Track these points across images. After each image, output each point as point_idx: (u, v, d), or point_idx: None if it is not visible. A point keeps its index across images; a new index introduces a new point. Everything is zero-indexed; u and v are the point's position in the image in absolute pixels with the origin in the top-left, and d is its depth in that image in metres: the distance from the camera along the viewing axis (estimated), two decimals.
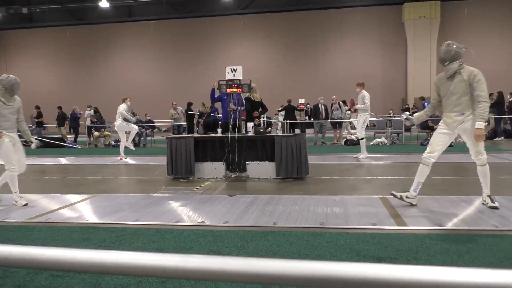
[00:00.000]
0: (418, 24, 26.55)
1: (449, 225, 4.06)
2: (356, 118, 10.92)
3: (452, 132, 4.67)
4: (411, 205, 4.78)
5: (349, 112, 14.94)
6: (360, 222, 4.19)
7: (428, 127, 13.80)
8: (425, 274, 0.83)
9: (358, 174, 7.71)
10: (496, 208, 4.50)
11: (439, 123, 4.83)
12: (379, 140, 13.94)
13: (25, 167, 5.75)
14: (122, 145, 10.90)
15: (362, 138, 10.02)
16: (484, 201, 4.68)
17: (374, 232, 3.87)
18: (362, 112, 9.98)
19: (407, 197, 4.80)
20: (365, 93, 9.94)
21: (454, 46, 4.53)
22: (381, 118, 15.67)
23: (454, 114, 4.53)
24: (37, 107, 19.38)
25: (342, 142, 14.27)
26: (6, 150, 5.45)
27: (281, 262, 0.83)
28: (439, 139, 4.73)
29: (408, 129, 14.77)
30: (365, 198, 5.38)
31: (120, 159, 10.71)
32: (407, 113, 5.18)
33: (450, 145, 12.11)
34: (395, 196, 4.86)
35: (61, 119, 17.90)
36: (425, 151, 4.83)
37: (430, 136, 13.47)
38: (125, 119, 10.92)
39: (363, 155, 9.94)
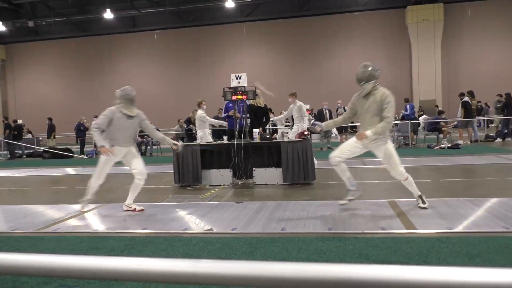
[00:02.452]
0: (421, 27, 26.51)
1: (459, 227, 4.02)
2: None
3: (364, 147, 4.92)
4: (352, 200, 5.00)
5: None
6: (369, 227, 4.16)
7: (437, 129, 13.72)
8: (436, 275, 0.82)
9: (365, 178, 7.67)
10: (425, 208, 4.72)
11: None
12: None
13: (145, 174, 5.64)
14: None
15: None
16: (417, 201, 4.91)
17: (383, 236, 3.84)
18: (299, 122, 9.53)
19: (351, 196, 5.03)
20: (300, 103, 9.61)
21: (370, 68, 4.74)
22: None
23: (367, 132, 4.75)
24: (50, 119, 19.36)
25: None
26: (101, 164, 5.46)
27: (292, 265, 0.83)
28: (349, 146, 4.96)
29: (415, 132, 14.70)
30: (373, 202, 5.34)
31: None
32: (318, 122, 5.34)
33: (457, 147, 12.13)
34: (344, 204, 5.00)
35: (51, 130, 17.86)
36: (332, 153, 5.00)
37: (438, 139, 13.43)
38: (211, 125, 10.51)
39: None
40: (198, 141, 10.24)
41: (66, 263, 0.95)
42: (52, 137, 17.87)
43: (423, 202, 4.82)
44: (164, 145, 17.08)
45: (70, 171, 11.48)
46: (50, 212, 5.76)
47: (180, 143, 5.84)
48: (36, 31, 31.38)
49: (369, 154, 10.88)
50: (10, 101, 34.26)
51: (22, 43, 32.64)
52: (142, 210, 5.44)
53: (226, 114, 8.82)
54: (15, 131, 17.34)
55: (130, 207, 5.49)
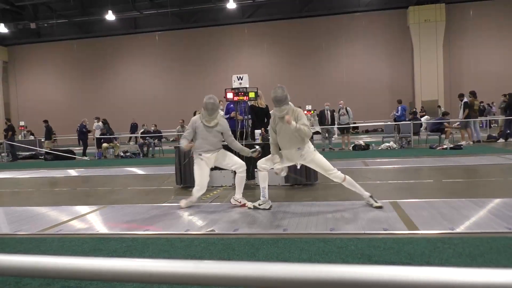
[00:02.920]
0: (423, 27, 26.50)
1: (462, 228, 4.01)
2: None
3: (290, 162, 5.22)
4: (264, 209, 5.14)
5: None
6: (371, 227, 4.15)
7: (439, 129, 13.70)
8: (439, 275, 0.82)
9: (367, 179, 7.66)
10: (380, 207, 4.89)
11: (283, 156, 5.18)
12: (387, 144, 13.87)
13: (244, 165, 5.66)
14: None
15: None
16: (368, 202, 5.09)
17: (385, 237, 3.83)
18: None
19: (259, 204, 5.20)
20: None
21: (285, 88, 4.98)
22: (389, 123, 15.58)
23: (292, 150, 5.01)
24: (46, 121, 19.18)
25: (350, 148, 14.22)
26: (196, 174, 5.57)
27: (294, 266, 0.83)
28: (285, 160, 5.20)
29: (416, 133, 14.69)
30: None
31: None
32: (280, 165, 5.26)
33: (460, 148, 12.11)
34: (250, 208, 5.21)
35: (48, 132, 17.80)
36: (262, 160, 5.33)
37: (441, 140, 13.41)
38: None
39: None
40: None
41: (69, 265, 0.95)
42: (51, 139, 17.81)
43: (375, 201, 4.99)
44: (166, 147, 17.16)
45: (72, 172, 11.51)
46: (52, 213, 5.77)
47: (258, 148, 5.78)
48: (38, 32, 31.49)
49: (370, 155, 10.84)
50: (12, 102, 34.37)
51: (24, 44, 32.76)
52: (244, 205, 5.46)
53: (227, 115, 8.85)
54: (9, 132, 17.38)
55: (239, 202, 5.53)
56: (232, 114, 8.57)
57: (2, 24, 27.47)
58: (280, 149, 5.20)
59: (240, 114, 8.53)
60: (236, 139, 7.70)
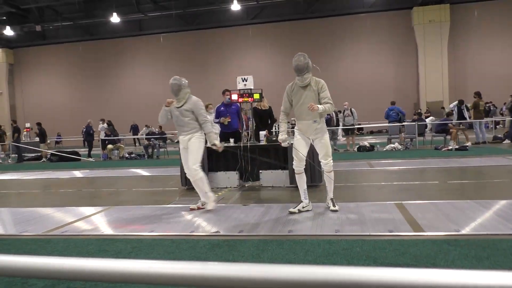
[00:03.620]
0: (428, 28, 26.41)
1: (467, 230, 3.99)
2: None
3: (307, 138, 5.07)
4: (308, 210, 5.07)
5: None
6: (376, 229, 4.14)
7: (444, 130, 13.64)
8: (445, 277, 0.81)
9: (372, 181, 7.64)
10: (335, 211, 4.90)
11: (295, 132, 5.14)
12: (392, 145, 13.83)
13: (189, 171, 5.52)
14: None
15: None
16: (327, 204, 5.11)
17: (390, 238, 3.82)
18: None
19: (303, 207, 5.06)
20: None
21: (309, 59, 4.91)
22: (393, 124, 15.54)
23: (308, 121, 4.93)
24: (39, 124, 18.75)
25: (355, 149, 14.18)
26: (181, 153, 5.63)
27: (300, 268, 0.83)
28: (299, 146, 5.07)
29: (421, 133, 14.63)
30: (380, 204, 5.32)
31: None
32: (283, 135, 5.18)
33: (465, 149, 12.04)
34: (293, 212, 4.98)
35: (42, 135, 17.68)
36: (294, 164, 5.18)
37: (446, 141, 13.35)
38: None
39: None
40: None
41: (75, 266, 0.96)
42: (45, 142, 17.67)
43: (334, 205, 5.00)
44: (171, 148, 17.20)
45: (78, 174, 11.55)
46: (58, 214, 5.80)
47: (223, 144, 5.81)
48: (44, 35, 31.68)
49: (375, 156, 10.81)
50: (18, 104, 34.58)
51: (30, 47, 32.96)
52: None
53: (217, 120, 8.91)
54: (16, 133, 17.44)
55: (199, 207, 5.62)
56: (222, 119, 8.67)
57: (8, 27, 27.67)
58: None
59: (232, 117, 8.65)
60: (240, 140, 7.75)
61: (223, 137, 8.91)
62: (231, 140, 7.96)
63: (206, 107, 10.60)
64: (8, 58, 33.54)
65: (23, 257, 1.01)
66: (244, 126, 8.65)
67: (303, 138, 5.05)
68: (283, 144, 5.20)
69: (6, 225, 5.40)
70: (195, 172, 5.38)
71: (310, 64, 4.88)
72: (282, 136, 5.14)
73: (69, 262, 0.97)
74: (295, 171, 5.19)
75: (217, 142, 5.67)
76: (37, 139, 21.14)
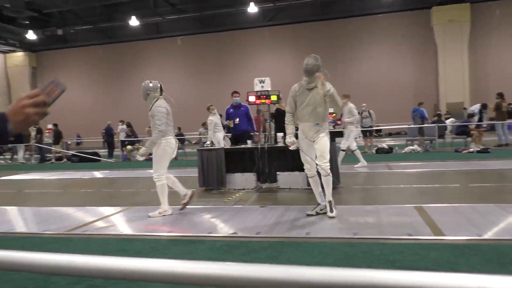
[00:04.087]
0: (447, 28, 25.95)
1: (490, 234, 3.90)
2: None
3: (310, 142, 4.92)
4: (325, 213, 4.90)
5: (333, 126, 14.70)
6: (395, 232, 4.08)
7: (465, 132, 13.38)
8: (467, 282, 0.80)
9: (391, 183, 7.55)
10: (333, 217, 4.69)
11: (299, 135, 5.04)
12: (411, 147, 13.63)
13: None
14: None
15: (355, 150, 10.02)
16: (325, 208, 4.87)
17: (410, 242, 3.76)
18: (349, 125, 9.84)
19: (321, 210, 4.94)
20: (351, 105, 9.86)
21: (319, 59, 4.85)
22: (412, 126, 15.32)
23: (310, 123, 4.85)
24: (55, 125, 18.87)
25: (374, 151, 14.03)
26: None
27: (318, 270, 0.83)
28: (306, 151, 4.98)
29: (441, 135, 14.38)
30: (399, 207, 5.25)
31: None
32: (291, 138, 5.06)
33: (487, 151, 11.77)
34: (311, 215, 4.91)
35: (57, 136, 17.89)
36: (305, 168, 5.12)
37: (464, 143, 13.09)
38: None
39: (362, 164, 9.84)
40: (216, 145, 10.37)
41: (96, 264, 0.97)
42: (59, 143, 17.94)
43: (331, 210, 4.78)
44: (188, 150, 17.32)
45: (98, 174, 11.74)
46: (78, 214, 5.90)
47: (143, 152, 5.69)
48: (65, 38, 32.32)
49: (394, 158, 10.66)
50: None
51: (52, 50, 33.69)
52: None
53: (226, 122, 9.00)
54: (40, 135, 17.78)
55: (159, 213, 5.57)
56: (227, 122, 8.74)
57: (31, 31, 28.35)
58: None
59: (240, 119, 8.70)
60: (238, 143, 7.98)
61: (232, 139, 8.97)
62: (249, 142, 7.98)
63: (208, 108, 10.73)
64: (31, 62, 34.34)
65: (47, 255, 1.04)
66: (261, 128, 8.65)
67: (307, 142, 4.97)
68: (291, 147, 5.10)
69: (29, 224, 5.53)
70: (155, 180, 5.44)
71: (321, 67, 4.82)
72: (290, 139, 5.05)
73: (92, 260, 0.99)
74: (308, 175, 5.14)
75: (143, 150, 5.60)
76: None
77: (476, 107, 15.37)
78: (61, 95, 1.22)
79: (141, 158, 5.61)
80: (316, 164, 4.90)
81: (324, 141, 4.85)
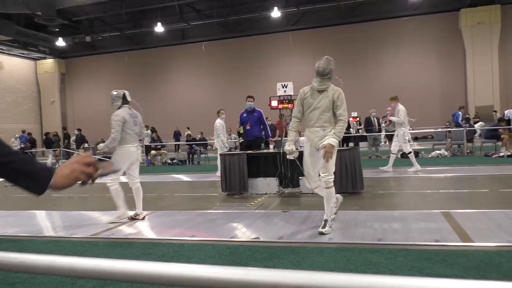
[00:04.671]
0: (476, 30, 25.33)
1: None
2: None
3: (315, 150, 4.54)
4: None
5: (384, 124, 14.55)
6: (422, 238, 3.99)
7: (495, 136, 12.98)
8: None
9: (417, 188, 7.39)
10: (322, 233, 4.28)
11: (304, 143, 4.72)
12: (438, 152, 13.33)
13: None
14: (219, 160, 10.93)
15: (410, 152, 9.82)
16: (324, 222, 4.42)
17: (437, 248, 3.67)
18: (399, 127, 9.74)
19: (332, 220, 4.54)
20: (400, 107, 9.65)
21: (332, 62, 4.57)
22: (439, 129, 14.99)
23: (316, 128, 4.52)
24: (79, 130, 19.48)
25: (399, 155, 13.78)
26: None
27: (341, 276, 0.81)
28: (309, 164, 4.64)
29: (470, 139, 14.01)
30: (426, 213, 5.13)
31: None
32: (290, 146, 4.68)
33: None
34: (324, 233, 4.34)
35: (80, 141, 18.27)
36: (312, 184, 4.77)
37: (494, 147, 12.69)
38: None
39: (414, 168, 9.64)
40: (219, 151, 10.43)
41: (123, 267, 0.99)
42: (82, 147, 18.38)
43: (324, 226, 4.35)
44: (211, 154, 17.45)
45: (123, 179, 11.93)
46: (104, 218, 6.01)
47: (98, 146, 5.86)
48: (93, 45, 33.19)
49: (420, 163, 10.44)
50: (69, 112, 36.35)
51: (80, 57, 34.64)
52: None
53: (237, 128, 9.07)
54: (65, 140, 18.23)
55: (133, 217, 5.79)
56: (237, 128, 8.83)
57: (61, 38, 29.24)
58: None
59: (251, 124, 8.65)
60: (259, 148, 8.00)
61: (244, 145, 8.90)
62: (271, 146, 7.96)
63: (218, 112, 10.73)
64: (60, 68, 35.38)
65: (74, 258, 1.06)
66: (284, 133, 8.63)
67: (311, 152, 4.58)
68: (288, 156, 4.76)
69: (57, 228, 5.67)
70: (108, 185, 5.58)
71: (333, 71, 4.55)
72: (288, 147, 4.67)
73: (119, 264, 1.00)
74: (312, 187, 4.76)
75: (100, 146, 5.79)
76: (86, 145, 22.11)
77: (509, 111, 14.94)
78: (111, 173, 1.30)
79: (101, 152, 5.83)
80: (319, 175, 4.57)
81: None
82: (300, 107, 4.68)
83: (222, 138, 10.33)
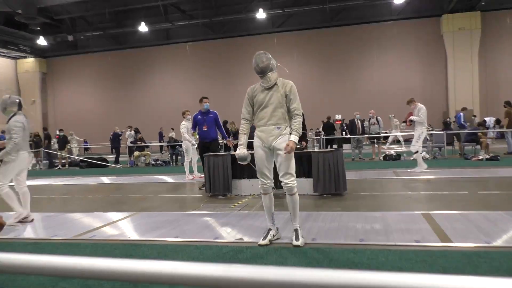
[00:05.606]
0: (457, 35, 25.87)
1: (499, 242, 3.86)
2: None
3: (268, 150, 4.15)
4: (277, 239, 4.27)
5: (404, 124, 14.67)
6: (402, 239, 4.05)
7: (474, 140, 13.26)
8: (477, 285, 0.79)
9: (398, 190, 7.50)
10: (298, 246, 3.95)
11: (254, 143, 4.24)
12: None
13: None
14: (186, 163, 10.74)
15: (417, 152, 9.76)
16: (276, 233, 4.23)
17: (417, 249, 3.73)
18: (419, 126, 9.72)
19: (273, 236, 4.23)
20: (421, 106, 9.71)
21: (270, 56, 4.20)
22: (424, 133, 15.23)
23: (270, 127, 4.11)
24: (61, 131, 18.82)
25: (381, 157, 13.97)
26: None
27: (324, 272, 0.83)
28: (262, 162, 4.19)
29: (450, 143, 14.28)
30: (407, 214, 5.22)
31: (193, 177, 10.55)
32: (241, 150, 4.26)
33: (496, 159, 11.64)
34: (264, 245, 4.10)
35: (63, 142, 17.96)
36: (259, 182, 4.31)
37: (473, 150, 12.97)
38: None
39: (420, 169, 9.68)
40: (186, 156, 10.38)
41: (104, 266, 0.99)
42: (64, 149, 18.02)
43: (297, 237, 4.03)
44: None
45: (105, 180, 11.81)
46: (86, 219, 5.94)
47: None
48: (75, 45, 32.74)
49: (402, 165, 10.58)
50: (50, 112, 35.73)
51: (62, 56, 34.13)
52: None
53: (194, 129, 8.74)
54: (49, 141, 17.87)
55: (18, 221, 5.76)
56: (192, 133, 8.56)
57: (42, 37, 28.76)
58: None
59: (209, 126, 8.37)
60: (217, 150, 8.04)
61: (201, 147, 8.56)
62: (231, 147, 7.95)
63: (184, 113, 10.56)
64: (41, 67, 34.79)
65: (55, 257, 1.05)
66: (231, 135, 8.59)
67: (264, 151, 4.16)
68: (240, 162, 4.35)
69: (37, 229, 5.57)
70: None
71: (274, 62, 4.19)
72: (240, 152, 4.25)
73: (98, 263, 1.00)
74: (262, 191, 4.28)
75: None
76: (69, 146, 21.76)
77: (491, 121, 15.36)
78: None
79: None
80: (279, 182, 4.22)
81: (287, 154, 4.02)
82: (249, 107, 4.28)
83: (187, 138, 10.20)
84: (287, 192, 4.14)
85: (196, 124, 8.63)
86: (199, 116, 8.55)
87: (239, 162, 4.38)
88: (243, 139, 4.29)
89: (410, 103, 9.98)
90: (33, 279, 3.31)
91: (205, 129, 8.37)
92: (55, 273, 1.01)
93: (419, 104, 9.80)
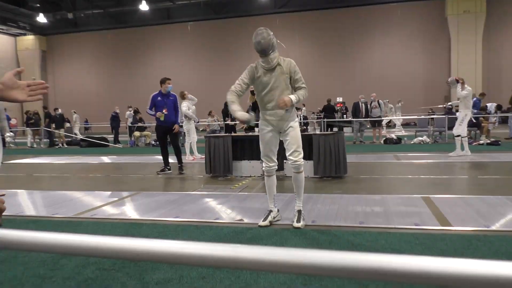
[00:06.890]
0: (462, 18, 25.54)
1: (498, 226, 3.88)
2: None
3: (278, 133, 4.10)
4: (278, 221, 4.26)
5: (450, 106, 14.21)
6: (402, 222, 4.07)
7: (475, 124, 13.22)
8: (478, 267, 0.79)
9: (398, 174, 7.51)
10: (298, 228, 3.94)
11: (260, 126, 4.15)
12: (420, 138, 13.54)
13: None
14: (187, 144, 10.81)
15: (458, 135, 9.37)
16: (295, 215, 4.12)
17: (417, 232, 3.76)
18: (463, 108, 9.27)
19: (273, 217, 4.21)
20: (469, 88, 9.31)
21: (272, 33, 3.95)
22: (422, 116, 15.20)
23: (280, 111, 3.99)
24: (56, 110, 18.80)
25: (382, 141, 13.96)
26: None
27: (325, 253, 0.82)
28: (269, 146, 4.13)
29: (451, 127, 14.22)
30: (407, 197, 5.23)
31: (193, 158, 10.57)
32: (241, 112, 3.90)
33: (497, 144, 11.63)
34: (264, 226, 4.08)
35: (60, 121, 17.74)
36: (264, 165, 4.26)
37: (474, 135, 12.95)
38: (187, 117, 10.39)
39: (462, 152, 9.27)
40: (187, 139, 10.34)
41: (106, 244, 0.98)
42: (63, 127, 17.92)
43: (298, 219, 4.03)
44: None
45: (106, 159, 11.83)
46: (87, 198, 5.96)
47: None
48: (75, 23, 32.36)
49: (402, 149, 10.59)
50: (50, 90, 35.54)
51: (62, 34, 33.76)
52: None
53: (152, 112, 7.98)
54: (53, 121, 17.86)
55: None
56: (158, 114, 7.81)
57: (42, 14, 28.40)
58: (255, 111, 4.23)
59: (169, 109, 7.91)
60: (165, 135, 7.84)
61: (160, 131, 8.14)
62: (256, 129, 7.94)
63: (183, 95, 10.40)
64: (41, 45, 34.48)
65: (57, 234, 1.04)
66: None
67: (273, 134, 4.10)
68: (248, 123, 3.99)
69: (38, 207, 5.60)
70: None
71: (275, 41, 3.99)
72: (243, 114, 3.88)
73: (103, 240, 1.00)
74: (265, 173, 4.26)
75: None
76: (68, 124, 21.72)
77: (492, 106, 15.27)
78: None
79: None
80: (286, 160, 4.13)
81: (296, 132, 4.05)
82: (245, 85, 4.08)
83: (190, 114, 10.29)
84: (295, 170, 4.11)
85: (154, 105, 7.99)
86: (158, 98, 7.96)
87: (245, 124, 4.22)
88: (237, 106, 3.93)
89: (457, 82, 9.39)
90: (35, 255, 3.33)
91: (165, 111, 7.88)
92: (57, 250, 1.01)
93: (467, 86, 9.31)
